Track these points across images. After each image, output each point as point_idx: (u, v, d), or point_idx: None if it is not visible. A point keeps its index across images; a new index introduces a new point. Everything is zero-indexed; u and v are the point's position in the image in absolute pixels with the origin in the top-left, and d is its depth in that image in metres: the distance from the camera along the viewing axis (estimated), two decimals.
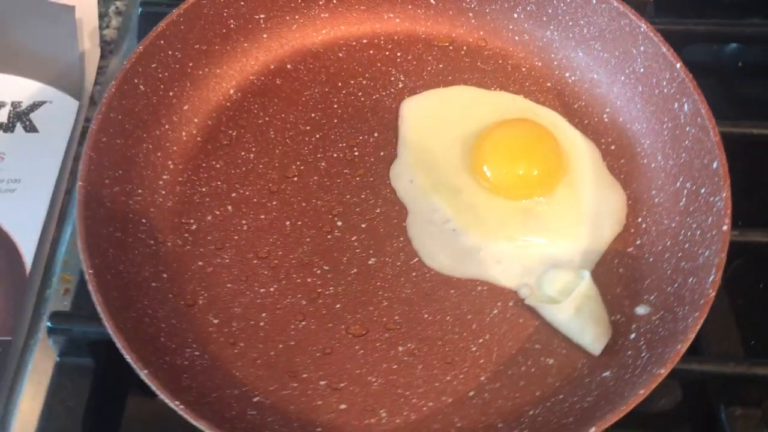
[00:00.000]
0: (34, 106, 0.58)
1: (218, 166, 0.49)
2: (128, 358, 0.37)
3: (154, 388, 0.36)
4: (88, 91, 0.61)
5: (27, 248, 0.53)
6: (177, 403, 0.35)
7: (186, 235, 0.47)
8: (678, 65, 0.45)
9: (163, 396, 0.36)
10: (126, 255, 0.44)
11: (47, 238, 0.54)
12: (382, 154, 0.50)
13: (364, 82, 0.53)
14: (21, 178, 0.54)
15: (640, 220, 0.47)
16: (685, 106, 0.45)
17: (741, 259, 0.49)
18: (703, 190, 0.43)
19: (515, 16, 0.53)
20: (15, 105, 0.58)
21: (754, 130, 0.51)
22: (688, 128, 0.45)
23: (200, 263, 0.46)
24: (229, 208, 0.48)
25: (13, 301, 0.51)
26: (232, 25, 0.51)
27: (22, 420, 0.46)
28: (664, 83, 0.46)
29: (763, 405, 0.45)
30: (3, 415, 0.46)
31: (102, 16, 0.65)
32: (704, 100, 0.44)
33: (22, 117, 0.57)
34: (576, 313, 0.43)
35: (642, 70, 0.48)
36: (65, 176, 0.56)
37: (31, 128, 0.57)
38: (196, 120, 0.50)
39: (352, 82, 0.53)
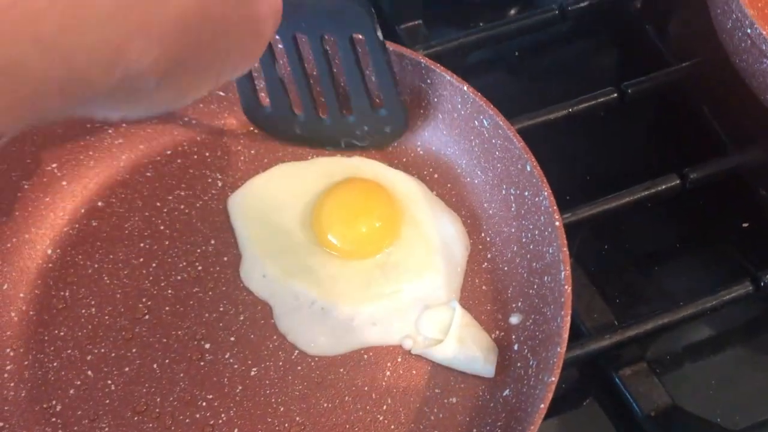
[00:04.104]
0: None
1: (62, 333, 0.46)
2: None
3: None
4: None
5: None
6: None
7: (53, 419, 0.43)
8: (465, 87, 0.48)
9: None
10: None
11: None
12: (225, 259, 0.48)
13: (183, 193, 0.51)
14: None
15: (483, 234, 0.49)
16: (485, 121, 0.47)
17: (582, 233, 0.53)
18: (527, 193, 0.46)
19: None
20: None
21: (550, 116, 0.55)
22: (494, 140, 0.48)
23: None
24: (89, 373, 0.45)
25: None
26: (26, 186, 0.48)
27: None
28: (459, 106, 0.49)
29: (645, 357, 0.49)
30: None
31: None
32: (499, 113, 0.46)
33: None
34: (460, 345, 0.44)
35: (436, 100, 0.50)
36: None
37: None
38: (21, 295, 0.47)
39: (170, 197, 0.51)
